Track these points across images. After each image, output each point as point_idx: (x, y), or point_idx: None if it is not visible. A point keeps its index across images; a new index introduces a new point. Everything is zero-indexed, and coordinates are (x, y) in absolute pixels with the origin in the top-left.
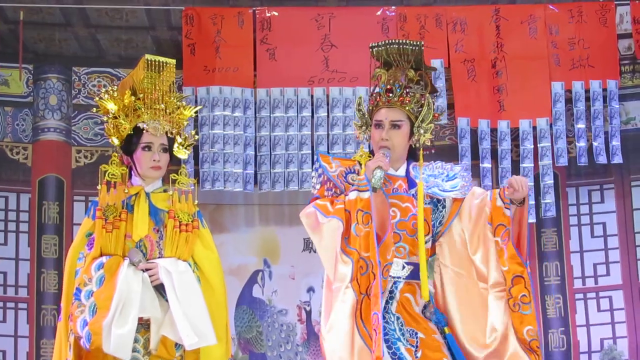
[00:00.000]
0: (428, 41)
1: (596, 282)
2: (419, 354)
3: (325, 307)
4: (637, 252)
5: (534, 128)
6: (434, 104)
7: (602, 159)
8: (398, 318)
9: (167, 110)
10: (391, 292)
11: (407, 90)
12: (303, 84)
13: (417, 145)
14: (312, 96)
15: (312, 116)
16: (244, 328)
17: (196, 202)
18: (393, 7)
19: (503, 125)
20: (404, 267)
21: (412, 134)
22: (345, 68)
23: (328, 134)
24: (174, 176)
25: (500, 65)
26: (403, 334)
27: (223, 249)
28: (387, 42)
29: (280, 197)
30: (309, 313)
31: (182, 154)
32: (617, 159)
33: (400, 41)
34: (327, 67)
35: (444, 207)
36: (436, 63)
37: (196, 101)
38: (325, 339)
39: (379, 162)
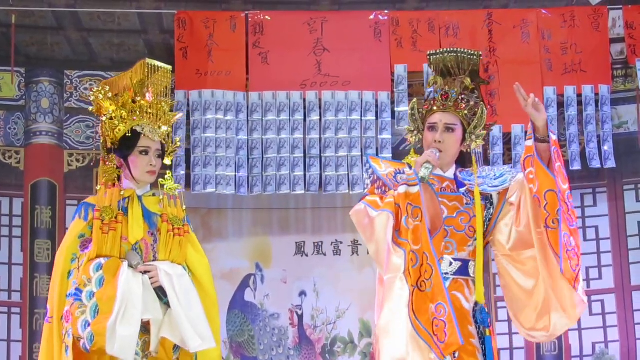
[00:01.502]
0: (421, 46)
1: (588, 286)
2: (456, 355)
3: (378, 300)
4: (629, 256)
5: (526, 133)
6: (486, 113)
7: (595, 164)
8: None
9: (158, 116)
10: None
11: (463, 96)
12: (295, 88)
13: (469, 150)
14: (304, 100)
15: (305, 120)
16: (236, 332)
17: (184, 207)
18: (386, 11)
19: (495, 130)
20: (451, 264)
21: (463, 139)
22: (338, 72)
23: (320, 138)
24: (162, 181)
25: (492, 70)
26: None
27: (215, 253)
28: (445, 50)
29: (273, 201)
30: (300, 317)
31: (168, 159)
32: (610, 164)
33: (459, 50)
34: (320, 71)
35: (491, 203)
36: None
37: (188, 104)
38: (382, 327)
39: (428, 156)
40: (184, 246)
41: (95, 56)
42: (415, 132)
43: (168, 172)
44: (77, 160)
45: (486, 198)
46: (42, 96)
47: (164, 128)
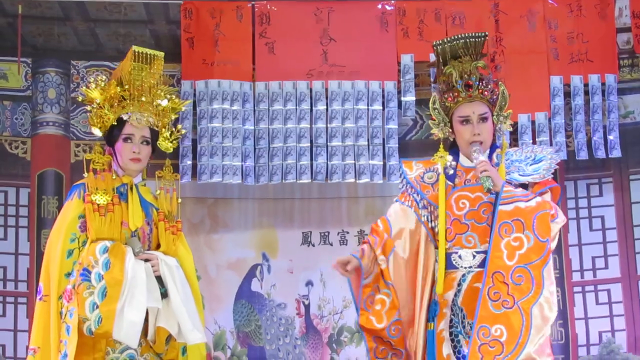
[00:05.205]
0: (427, 36)
1: (594, 275)
2: None
3: None
4: (635, 245)
5: (533, 122)
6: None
7: (601, 153)
8: (462, 310)
9: (154, 103)
10: (459, 284)
11: (483, 81)
12: (302, 78)
13: (500, 133)
14: (310, 89)
15: (311, 109)
16: (242, 322)
17: (179, 200)
18: (392, 1)
19: None
20: (474, 257)
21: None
22: (344, 62)
23: (327, 127)
24: (160, 173)
25: (499, 60)
26: (464, 327)
27: (222, 244)
28: (453, 38)
29: (279, 191)
30: (307, 307)
31: (167, 147)
32: (616, 153)
33: (466, 35)
34: (326, 61)
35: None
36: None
37: (195, 95)
38: None
39: (484, 167)
40: (176, 242)
41: (101, 47)
42: (442, 125)
43: (167, 160)
44: (84, 151)
45: (522, 185)
46: (49, 86)
47: (152, 119)
